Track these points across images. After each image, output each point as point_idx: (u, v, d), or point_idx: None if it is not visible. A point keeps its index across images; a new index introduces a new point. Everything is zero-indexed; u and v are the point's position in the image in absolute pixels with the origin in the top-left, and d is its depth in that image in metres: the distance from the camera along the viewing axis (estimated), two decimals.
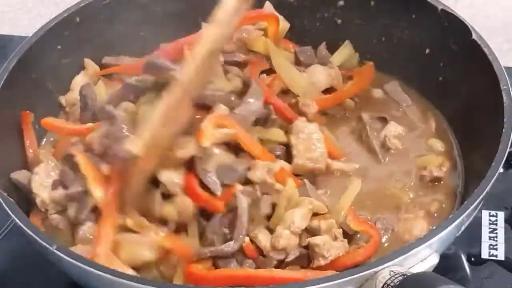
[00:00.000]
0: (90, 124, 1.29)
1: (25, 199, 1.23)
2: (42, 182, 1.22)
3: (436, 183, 1.30)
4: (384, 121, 1.40)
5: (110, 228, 1.13)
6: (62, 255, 1.02)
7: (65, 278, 1.14)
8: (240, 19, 1.23)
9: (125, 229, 1.15)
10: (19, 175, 1.25)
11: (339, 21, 1.53)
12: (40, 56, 1.37)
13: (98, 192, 1.16)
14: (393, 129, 1.37)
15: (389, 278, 0.94)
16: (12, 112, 1.31)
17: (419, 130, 1.41)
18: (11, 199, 1.13)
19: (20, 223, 1.08)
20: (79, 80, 1.46)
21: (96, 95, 1.35)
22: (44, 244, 1.04)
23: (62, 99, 1.44)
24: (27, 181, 1.23)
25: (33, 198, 1.21)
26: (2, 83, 1.27)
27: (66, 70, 1.45)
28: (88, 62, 1.48)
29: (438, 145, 1.37)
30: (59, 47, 1.41)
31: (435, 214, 1.25)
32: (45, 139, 1.40)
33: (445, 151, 1.36)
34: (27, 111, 1.34)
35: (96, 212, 1.17)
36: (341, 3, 1.52)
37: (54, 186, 1.22)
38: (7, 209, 1.11)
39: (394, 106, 1.45)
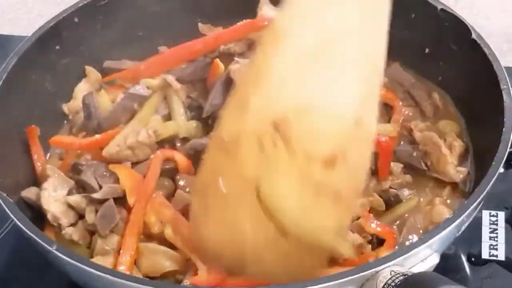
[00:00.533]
0: (97, 136, 1.29)
1: (38, 216, 1.21)
2: (51, 196, 1.21)
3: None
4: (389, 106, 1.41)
5: (135, 238, 1.14)
6: (62, 255, 1.02)
7: (65, 278, 1.13)
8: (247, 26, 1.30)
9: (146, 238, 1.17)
10: (29, 193, 1.24)
11: None
12: (39, 56, 1.37)
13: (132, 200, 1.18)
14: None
15: (390, 278, 0.94)
16: (11, 113, 1.30)
17: (425, 109, 1.41)
18: (10, 200, 1.13)
19: (19, 223, 1.08)
20: (82, 88, 1.46)
21: (98, 103, 1.35)
22: (44, 244, 1.04)
23: (65, 107, 1.44)
24: (37, 197, 1.22)
25: (44, 214, 1.20)
26: (0, 83, 1.26)
27: (65, 71, 1.44)
28: (89, 69, 1.48)
29: (449, 127, 1.37)
30: (57, 47, 1.41)
31: (449, 201, 1.27)
32: (49, 153, 1.39)
33: (456, 132, 1.36)
34: (33, 126, 1.33)
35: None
36: None
37: (70, 192, 1.22)
38: (6, 209, 1.11)
39: (398, 88, 1.45)
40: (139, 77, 1.38)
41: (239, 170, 1.02)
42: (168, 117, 1.35)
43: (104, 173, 1.23)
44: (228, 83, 1.30)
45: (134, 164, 1.26)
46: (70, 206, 1.20)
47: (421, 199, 1.28)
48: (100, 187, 1.21)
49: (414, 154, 1.30)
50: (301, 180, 1.01)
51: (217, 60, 1.36)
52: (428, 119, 1.39)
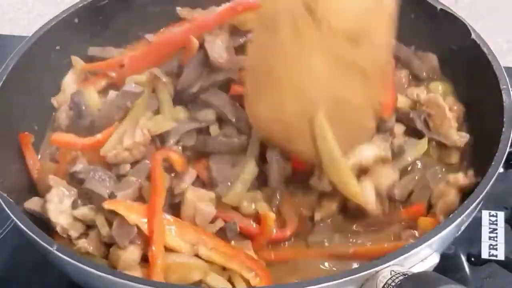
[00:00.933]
0: (99, 136, 1.28)
1: (42, 225, 1.17)
2: (58, 208, 1.19)
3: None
4: None
5: (162, 253, 1.11)
6: (62, 255, 1.02)
7: (65, 278, 1.13)
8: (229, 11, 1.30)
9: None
10: (32, 204, 1.21)
11: None
12: (38, 57, 1.37)
13: (136, 220, 1.14)
14: None
15: (390, 278, 0.94)
16: (10, 113, 1.30)
17: (418, 71, 1.41)
18: (10, 200, 1.13)
19: (19, 223, 1.08)
20: (69, 80, 1.45)
21: (88, 100, 1.35)
22: (44, 244, 1.04)
23: (54, 101, 1.43)
24: (41, 208, 1.20)
25: (53, 226, 1.18)
26: (0, 83, 1.26)
27: (65, 71, 1.44)
28: (75, 59, 1.46)
29: (441, 87, 1.38)
30: (57, 47, 1.41)
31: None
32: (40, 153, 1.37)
33: (448, 93, 1.37)
34: (26, 132, 1.32)
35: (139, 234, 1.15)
36: None
37: (75, 205, 1.20)
38: (6, 209, 1.11)
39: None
40: (124, 73, 1.38)
41: (280, 47, 1.13)
42: (158, 112, 1.34)
43: (103, 176, 1.21)
44: (205, 59, 1.31)
45: (133, 164, 1.25)
46: (77, 219, 1.19)
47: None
48: (109, 196, 1.18)
49: (417, 117, 1.30)
50: (330, 55, 1.11)
51: (191, 36, 1.34)
52: (422, 83, 1.39)
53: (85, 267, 1.00)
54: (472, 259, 1.29)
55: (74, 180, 1.23)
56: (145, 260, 1.13)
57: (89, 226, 1.19)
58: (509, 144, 1.14)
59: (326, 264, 1.17)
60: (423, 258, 1.02)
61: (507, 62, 1.34)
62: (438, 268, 1.04)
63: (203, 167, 1.26)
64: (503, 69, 1.25)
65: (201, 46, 1.34)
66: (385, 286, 0.94)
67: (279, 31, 1.12)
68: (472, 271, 1.29)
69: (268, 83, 1.15)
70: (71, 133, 1.32)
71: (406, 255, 0.99)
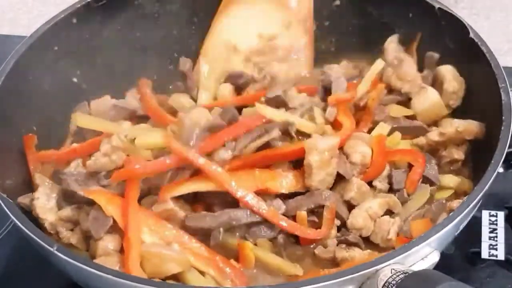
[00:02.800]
0: (75, 145, 1.31)
1: (34, 221, 1.19)
2: (45, 205, 1.20)
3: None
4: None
5: (137, 240, 1.12)
6: (62, 255, 1.02)
7: (65, 278, 1.13)
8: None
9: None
10: (25, 199, 1.22)
11: (336, 21, 1.53)
12: (37, 57, 1.37)
13: (112, 211, 1.15)
14: None
15: (391, 276, 0.94)
16: (10, 113, 1.30)
17: None
18: (10, 200, 1.13)
19: (19, 224, 1.08)
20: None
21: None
22: (44, 244, 1.04)
23: None
24: (30, 204, 1.22)
25: (42, 223, 1.20)
26: (0, 83, 1.26)
27: (63, 71, 1.44)
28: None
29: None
30: (56, 48, 1.41)
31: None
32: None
33: None
34: (30, 134, 1.32)
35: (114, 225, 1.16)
36: (337, 2, 1.52)
37: (59, 205, 1.21)
38: (6, 209, 1.11)
39: None
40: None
41: None
42: None
43: (84, 181, 1.22)
44: None
45: (117, 169, 1.24)
46: (63, 219, 1.20)
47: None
48: None
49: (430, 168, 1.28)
50: None
51: None
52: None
53: (85, 267, 1.00)
54: (472, 259, 1.29)
55: (55, 178, 1.24)
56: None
57: (77, 223, 1.21)
58: (508, 144, 1.14)
59: None
60: (423, 256, 1.02)
61: (507, 62, 1.34)
62: (438, 268, 1.04)
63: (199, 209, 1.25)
64: (501, 67, 1.25)
65: None
66: (386, 284, 0.94)
67: None
68: (472, 271, 1.28)
69: None
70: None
71: (406, 253, 0.99)
